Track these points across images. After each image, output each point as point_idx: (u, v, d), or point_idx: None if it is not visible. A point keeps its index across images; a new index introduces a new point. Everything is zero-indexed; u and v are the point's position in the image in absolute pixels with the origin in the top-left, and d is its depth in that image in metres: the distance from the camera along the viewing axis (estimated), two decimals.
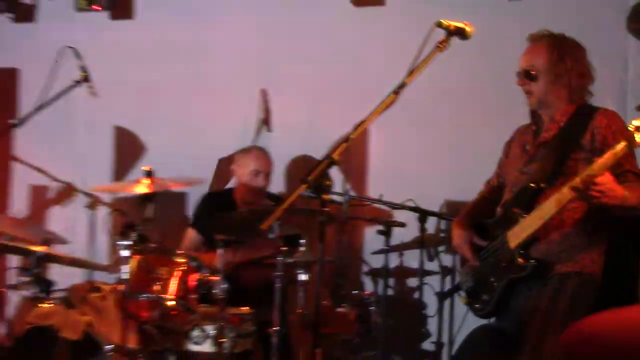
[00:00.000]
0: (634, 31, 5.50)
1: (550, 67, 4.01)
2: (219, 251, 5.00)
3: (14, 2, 7.16)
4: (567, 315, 3.82)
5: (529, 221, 3.84)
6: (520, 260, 3.87)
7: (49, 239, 5.50)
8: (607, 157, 3.51)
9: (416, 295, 5.38)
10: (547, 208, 3.75)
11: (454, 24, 3.52)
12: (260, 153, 5.90)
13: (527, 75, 4.01)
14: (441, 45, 3.46)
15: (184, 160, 6.43)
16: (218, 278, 4.96)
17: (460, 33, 3.54)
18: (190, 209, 6.14)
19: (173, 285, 4.98)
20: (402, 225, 5.29)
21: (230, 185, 6.21)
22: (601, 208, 3.64)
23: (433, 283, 5.56)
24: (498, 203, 4.28)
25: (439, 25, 3.51)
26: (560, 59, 4.02)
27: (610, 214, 3.71)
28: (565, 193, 3.64)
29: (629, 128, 3.47)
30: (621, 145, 3.49)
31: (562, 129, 4.02)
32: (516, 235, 3.89)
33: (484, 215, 4.26)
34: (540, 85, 4.01)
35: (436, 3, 5.76)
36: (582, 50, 4.09)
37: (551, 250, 3.87)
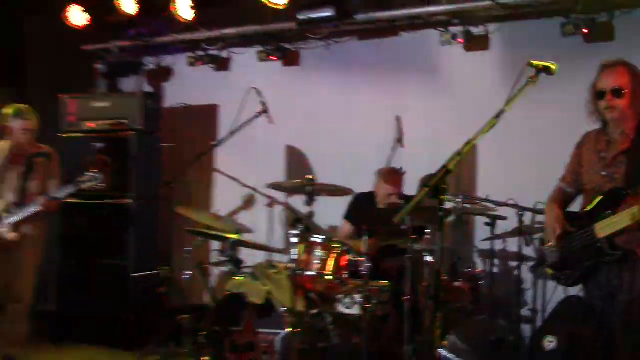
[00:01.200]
0: None
1: (633, 87, 3.85)
2: (364, 238, 5.02)
3: (217, 57, 7.38)
4: None
5: (618, 219, 3.69)
6: (608, 249, 3.76)
7: (240, 230, 5.63)
8: None
9: (516, 272, 5.25)
10: (637, 212, 3.60)
11: (542, 63, 3.44)
12: (393, 179, 5.85)
13: (616, 93, 3.85)
14: (532, 80, 3.39)
15: (338, 170, 6.51)
16: (363, 259, 4.98)
17: (547, 70, 3.45)
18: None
19: (330, 264, 5.04)
20: (504, 218, 5.20)
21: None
22: None
23: (529, 263, 5.44)
24: (571, 196, 4.19)
25: (530, 64, 3.44)
26: (638, 82, 3.89)
27: None
28: None
29: None
30: None
31: (634, 141, 3.87)
32: (604, 228, 3.76)
33: (564, 205, 4.17)
34: (625, 101, 3.85)
35: (527, 47, 5.66)
36: None
37: (631, 238, 3.71)
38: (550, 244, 4.09)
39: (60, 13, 7.24)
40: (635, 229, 3.66)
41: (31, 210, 5.47)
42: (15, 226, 5.51)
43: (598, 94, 3.93)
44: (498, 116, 3.36)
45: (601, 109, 3.94)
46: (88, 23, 7.23)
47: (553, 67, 3.46)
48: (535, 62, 3.45)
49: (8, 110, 5.57)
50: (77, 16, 7.21)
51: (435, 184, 3.31)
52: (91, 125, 6.99)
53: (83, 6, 7.20)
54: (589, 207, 3.97)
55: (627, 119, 3.89)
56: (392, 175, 5.87)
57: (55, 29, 7.71)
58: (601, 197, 3.88)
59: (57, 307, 7.01)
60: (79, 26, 7.24)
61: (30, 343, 6.07)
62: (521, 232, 5.16)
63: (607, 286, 3.86)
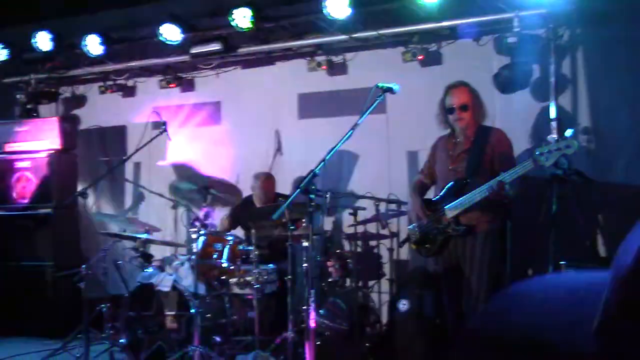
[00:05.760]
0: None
1: (473, 102, 4.16)
2: (252, 231, 4.99)
3: (124, 85, 7.13)
4: (493, 258, 3.99)
5: (460, 202, 3.94)
6: (454, 226, 4.00)
7: (149, 229, 5.48)
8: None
9: (375, 250, 5.31)
10: (475, 196, 3.87)
11: (387, 85, 3.59)
12: (263, 180, 5.82)
13: (463, 108, 4.11)
14: (379, 98, 3.52)
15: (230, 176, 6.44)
16: (252, 248, 4.93)
17: (390, 90, 3.61)
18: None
19: (225, 253, 4.97)
20: (363, 209, 5.26)
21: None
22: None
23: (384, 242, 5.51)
24: (427, 186, 4.39)
25: (377, 86, 3.57)
26: (476, 97, 4.24)
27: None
28: (485, 190, 3.81)
29: None
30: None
31: (473, 142, 4.13)
32: (451, 210, 3.99)
33: (422, 192, 4.42)
34: (469, 114, 4.15)
35: (376, 71, 5.67)
36: None
37: (472, 217, 3.97)
38: (412, 225, 4.31)
39: None
40: (474, 209, 3.90)
41: None
42: None
43: (448, 110, 4.13)
44: (353, 128, 3.46)
45: (451, 120, 4.17)
46: (7, 58, 6.83)
47: (395, 87, 3.58)
48: (381, 84, 3.55)
49: None
50: None
51: (305, 185, 3.37)
52: (12, 147, 6.59)
53: (2, 43, 6.79)
54: (440, 195, 4.17)
55: (470, 126, 4.12)
56: (263, 179, 5.86)
57: None
58: (448, 186, 4.07)
59: None
60: None
61: None
62: (377, 218, 5.25)
63: (455, 256, 4.08)
